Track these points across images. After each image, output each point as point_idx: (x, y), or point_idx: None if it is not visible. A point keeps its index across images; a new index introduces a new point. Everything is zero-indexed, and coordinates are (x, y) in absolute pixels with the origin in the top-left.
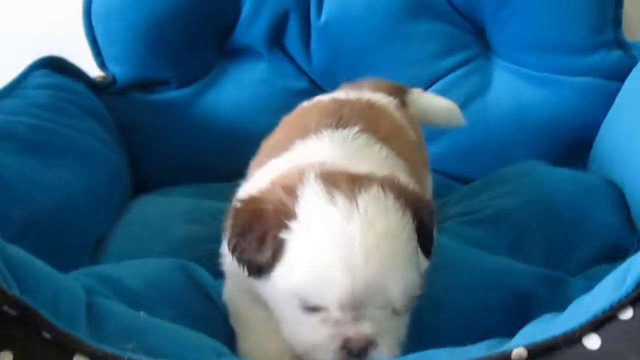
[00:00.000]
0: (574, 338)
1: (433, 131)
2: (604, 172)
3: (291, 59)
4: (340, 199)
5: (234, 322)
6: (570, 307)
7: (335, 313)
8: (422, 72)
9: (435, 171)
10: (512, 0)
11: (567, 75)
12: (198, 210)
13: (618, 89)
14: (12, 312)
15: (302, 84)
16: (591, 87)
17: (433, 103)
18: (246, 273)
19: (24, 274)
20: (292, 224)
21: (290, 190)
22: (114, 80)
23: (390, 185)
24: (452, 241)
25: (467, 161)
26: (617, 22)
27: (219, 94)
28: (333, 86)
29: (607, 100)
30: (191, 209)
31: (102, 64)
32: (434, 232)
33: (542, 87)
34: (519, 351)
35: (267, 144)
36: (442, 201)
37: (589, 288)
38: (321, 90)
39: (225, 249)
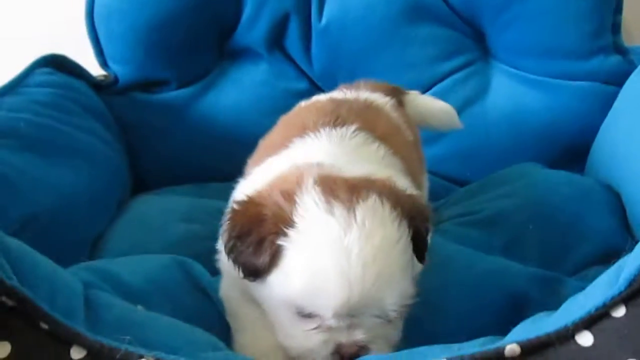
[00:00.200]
0: (567, 335)
1: (432, 134)
2: (601, 176)
3: (291, 61)
4: (338, 209)
5: (229, 318)
6: (564, 306)
7: (329, 321)
8: (421, 75)
9: (434, 173)
10: (512, 5)
11: (565, 80)
12: (196, 209)
13: (616, 94)
14: (10, 302)
15: (303, 85)
16: (589, 91)
17: (430, 105)
18: (241, 275)
19: (22, 266)
20: (290, 232)
21: (289, 196)
22: (116, 80)
23: (387, 193)
24: (449, 242)
25: (465, 164)
26: (616, 27)
27: (220, 95)
28: (333, 88)
29: (605, 104)
30: (190, 207)
31: (103, 64)
32: (429, 236)
33: (541, 91)
34: (512, 347)
35: (264, 143)
36: (439, 203)
37: (583, 289)
38: (321, 92)
39: (221, 247)
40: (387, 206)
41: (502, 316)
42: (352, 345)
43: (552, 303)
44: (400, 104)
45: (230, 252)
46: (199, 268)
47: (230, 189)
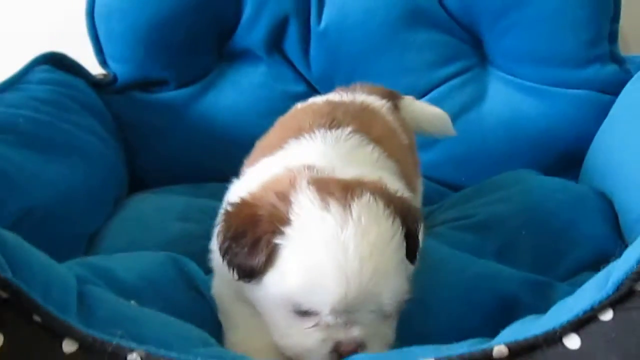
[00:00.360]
0: (554, 337)
1: (428, 139)
2: (595, 183)
3: (290, 64)
4: (334, 206)
5: (221, 317)
6: (553, 309)
7: (327, 318)
8: (418, 80)
9: (429, 179)
10: (510, 12)
11: (562, 88)
12: (193, 209)
13: (612, 102)
14: (4, 294)
15: (301, 88)
16: (586, 99)
17: (425, 111)
18: (236, 277)
19: (17, 259)
20: (287, 230)
21: (284, 197)
22: (115, 79)
23: (380, 192)
24: (442, 245)
25: (461, 169)
26: (612, 36)
27: (218, 96)
28: (331, 91)
29: (601, 113)
30: (186, 207)
31: (103, 63)
32: (420, 238)
33: (537, 99)
34: (500, 349)
35: (260, 144)
36: (434, 207)
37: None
38: (319, 94)
39: (214, 246)
40: (381, 204)
41: (493, 319)
42: (350, 343)
43: (543, 307)
44: (396, 107)
45: (225, 254)
46: (193, 266)
47: (227, 189)
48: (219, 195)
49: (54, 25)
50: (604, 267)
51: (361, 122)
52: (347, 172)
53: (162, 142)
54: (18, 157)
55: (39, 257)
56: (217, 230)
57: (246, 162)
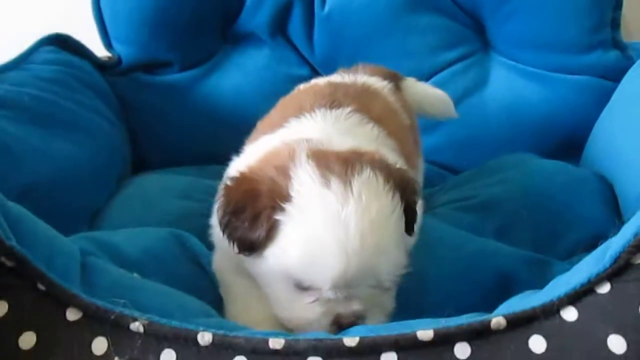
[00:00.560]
0: (552, 309)
1: (430, 123)
2: (595, 167)
3: (294, 47)
4: (334, 182)
5: (222, 290)
6: (551, 283)
7: (327, 293)
8: (421, 65)
9: (431, 162)
10: None
11: (564, 73)
12: (194, 188)
13: (613, 89)
14: (9, 263)
15: (304, 71)
16: (587, 85)
17: (427, 92)
18: (236, 250)
19: (21, 228)
20: (287, 206)
21: (283, 171)
22: (119, 61)
23: (379, 166)
24: (442, 223)
25: (462, 153)
26: (615, 23)
27: (222, 79)
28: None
29: (603, 99)
30: (188, 186)
31: (108, 44)
32: (419, 211)
33: (539, 84)
34: (498, 320)
35: (262, 123)
36: (435, 189)
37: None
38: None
39: (214, 221)
40: (381, 179)
41: (491, 295)
42: (350, 315)
43: (541, 284)
44: (398, 88)
45: (225, 228)
46: (195, 241)
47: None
48: (221, 176)
49: (59, 7)
50: (602, 243)
51: (362, 102)
52: (344, 143)
53: (165, 124)
54: (22, 133)
55: (43, 228)
56: (217, 204)
57: (247, 141)
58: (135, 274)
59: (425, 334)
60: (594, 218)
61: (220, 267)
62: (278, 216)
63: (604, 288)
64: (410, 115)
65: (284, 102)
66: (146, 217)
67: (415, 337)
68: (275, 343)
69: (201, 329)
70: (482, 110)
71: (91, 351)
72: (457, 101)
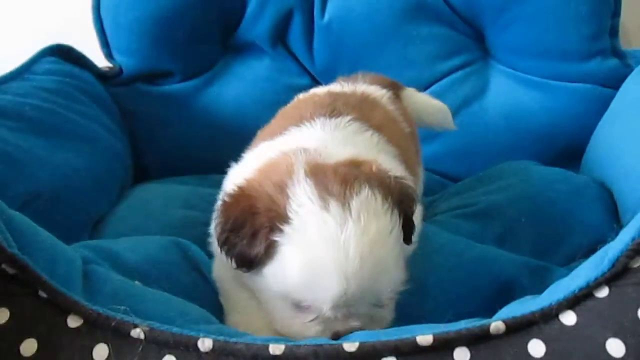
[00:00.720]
0: (550, 314)
1: (430, 132)
2: (595, 174)
3: (294, 57)
4: (333, 204)
5: (222, 299)
6: (550, 288)
7: (326, 313)
8: (421, 73)
9: (431, 170)
10: (513, 7)
11: (563, 81)
12: (195, 197)
13: (613, 96)
14: (11, 270)
15: (304, 81)
16: (586, 93)
17: (425, 102)
18: (234, 266)
19: (23, 236)
20: (285, 228)
21: (281, 189)
22: (120, 71)
23: (378, 182)
24: (443, 231)
25: (462, 162)
26: (613, 31)
27: (222, 89)
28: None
29: (602, 106)
30: (189, 195)
31: (109, 55)
32: (418, 219)
33: (539, 92)
34: (497, 325)
35: (262, 132)
36: (435, 197)
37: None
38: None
39: (214, 230)
40: (379, 197)
41: (491, 302)
42: (348, 331)
43: (541, 290)
44: (398, 97)
45: (223, 244)
46: (196, 250)
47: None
48: (222, 185)
49: (61, 18)
50: (600, 247)
51: (361, 111)
52: (342, 152)
53: (166, 134)
54: (24, 143)
55: (45, 236)
56: (215, 220)
57: (247, 150)
58: (136, 282)
59: (424, 339)
60: (594, 225)
61: (220, 275)
62: (276, 236)
63: (603, 292)
64: (410, 123)
65: (284, 112)
66: (147, 226)
67: (414, 342)
68: (276, 349)
69: (202, 335)
70: (482, 118)
71: (92, 358)
72: (457, 109)
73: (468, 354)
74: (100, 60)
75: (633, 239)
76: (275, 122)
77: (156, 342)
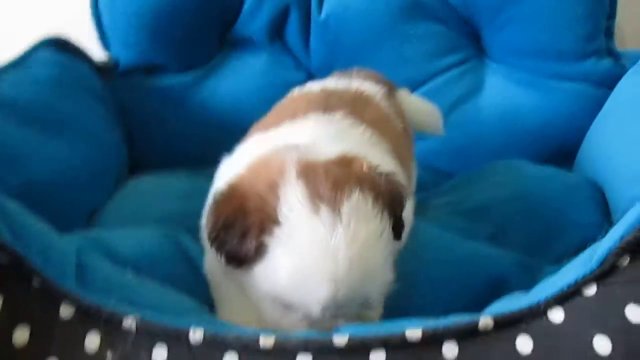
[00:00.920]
0: (539, 311)
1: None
2: (587, 173)
3: (291, 53)
4: (323, 210)
5: (213, 291)
6: (539, 285)
7: (315, 314)
8: (417, 71)
9: (426, 166)
10: (509, 7)
11: (558, 81)
12: (190, 189)
13: (607, 96)
14: (4, 258)
15: (301, 76)
16: (581, 93)
17: (418, 105)
18: (225, 263)
19: (17, 224)
20: (276, 230)
21: (272, 188)
22: (117, 64)
23: (368, 184)
24: (434, 227)
25: (457, 159)
26: (609, 31)
27: (219, 83)
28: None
29: (596, 106)
30: (184, 187)
31: (106, 47)
32: (408, 216)
33: (533, 91)
34: (486, 321)
35: (256, 126)
36: (428, 194)
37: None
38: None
39: (206, 224)
40: (370, 200)
41: (481, 298)
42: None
43: (530, 288)
44: (391, 94)
45: (213, 242)
46: (189, 242)
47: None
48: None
49: (58, 10)
50: (590, 245)
51: (354, 107)
52: (332, 149)
53: (162, 128)
54: (19, 133)
55: (39, 225)
56: (206, 217)
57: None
58: (128, 273)
59: (413, 333)
60: (585, 223)
61: (211, 268)
62: (267, 238)
63: (591, 290)
64: (403, 120)
65: (278, 107)
66: (142, 218)
67: (404, 336)
68: (266, 341)
69: (193, 326)
70: (477, 117)
71: (84, 347)
72: (453, 107)
73: (456, 349)
74: (97, 53)
75: (622, 238)
76: (269, 117)
77: (148, 333)
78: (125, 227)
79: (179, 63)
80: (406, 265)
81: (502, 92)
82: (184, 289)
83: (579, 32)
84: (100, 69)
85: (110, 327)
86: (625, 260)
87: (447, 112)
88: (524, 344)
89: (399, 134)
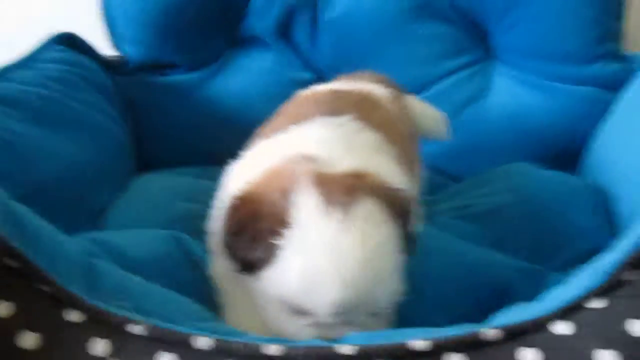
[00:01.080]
0: (543, 323)
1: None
2: (592, 178)
3: (299, 51)
4: (335, 212)
5: (220, 296)
6: (544, 296)
7: (323, 318)
8: (425, 72)
9: (433, 168)
10: (517, 8)
11: (565, 84)
12: (197, 190)
13: (614, 100)
14: (13, 264)
15: (308, 76)
16: (588, 96)
17: (424, 111)
18: (236, 269)
19: (25, 229)
20: (287, 233)
21: (285, 195)
22: (126, 61)
23: (380, 193)
24: (439, 232)
25: (463, 161)
26: (617, 34)
27: (227, 81)
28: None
29: (603, 110)
30: (191, 187)
31: (115, 45)
32: (415, 220)
33: (541, 93)
34: (491, 332)
35: (262, 130)
36: (434, 197)
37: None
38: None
39: (212, 227)
40: (382, 208)
41: (485, 305)
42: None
43: (536, 295)
44: (398, 96)
45: (226, 247)
46: (195, 245)
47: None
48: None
49: (67, 7)
50: (596, 256)
51: (361, 110)
52: (345, 162)
53: (170, 125)
54: (27, 131)
55: (47, 229)
56: (215, 216)
57: (246, 147)
58: (136, 277)
59: (418, 344)
60: (590, 229)
61: (218, 273)
62: (278, 241)
63: (596, 303)
64: (410, 123)
65: (284, 110)
66: (149, 218)
67: (409, 346)
68: (272, 349)
69: (200, 333)
70: (484, 118)
71: (92, 353)
72: (460, 108)
73: None
74: (106, 50)
75: (629, 252)
76: (275, 120)
77: (155, 339)
78: (132, 228)
79: (187, 60)
80: (412, 274)
81: (509, 94)
82: (190, 292)
83: (587, 35)
84: (109, 66)
85: (118, 333)
86: (632, 275)
87: (455, 113)
88: (528, 356)
89: (405, 138)
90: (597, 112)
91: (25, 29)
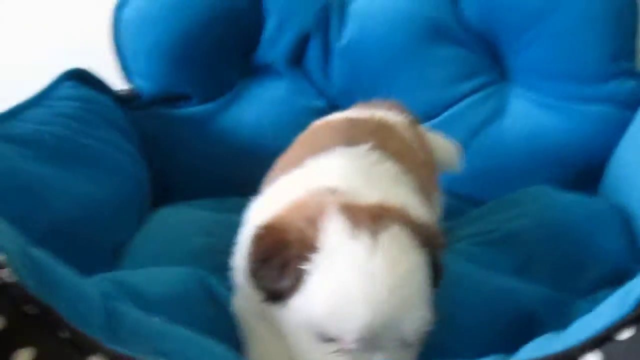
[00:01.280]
0: (573, 355)
1: None
2: (613, 198)
3: (311, 79)
4: (363, 235)
5: (243, 332)
6: (573, 326)
7: (350, 345)
8: (439, 96)
9: (450, 193)
10: (531, 28)
11: (582, 103)
12: (215, 223)
13: (631, 118)
14: (33, 310)
15: (322, 103)
16: (605, 115)
17: (437, 143)
18: (263, 299)
19: (45, 275)
20: (314, 257)
21: (312, 222)
22: (139, 95)
23: (407, 222)
24: (462, 261)
25: (480, 184)
26: (632, 51)
27: (241, 111)
28: (351, 106)
29: (621, 129)
30: (209, 221)
31: (128, 78)
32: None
33: (557, 114)
34: None
35: (280, 162)
36: (453, 223)
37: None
38: (340, 110)
39: (236, 262)
40: (409, 235)
41: (511, 334)
42: None
43: (562, 324)
44: (414, 123)
45: (253, 276)
46: (215, 281)
47: (249, 203)
48: (242, 210)
49: (79, 41)
50: (623, 284)
51: (379, 138)
52: (370, 194)
53: (185, 157)
54: (43, 172)
55: (66, 273)
56: (239, 252)
57: (266, 179)
58: (155, 318)
59: None
60: (614, 252)
61: (242, 309)
62: (305, 266)
63: (628, 333)
64: (425, 150)
65: (301, 140)
66: (167, 254)
67: None
68: None
69: None
70: (501, 141)
71: None
72: (476, 131)
73: None
74: (119, 84)
75: None
76: (292, 152)
77: None
78: (150, 264)
79: (200, 92)
80: (436, 302)
81: (525, 115)
82: (211, 331)
83: (603, 53)
84: (123, 100)
85: None
86: None
87: (470, 136)
88: None
89: (422, 166)
90: (615, 131)
91: (36, 64)
